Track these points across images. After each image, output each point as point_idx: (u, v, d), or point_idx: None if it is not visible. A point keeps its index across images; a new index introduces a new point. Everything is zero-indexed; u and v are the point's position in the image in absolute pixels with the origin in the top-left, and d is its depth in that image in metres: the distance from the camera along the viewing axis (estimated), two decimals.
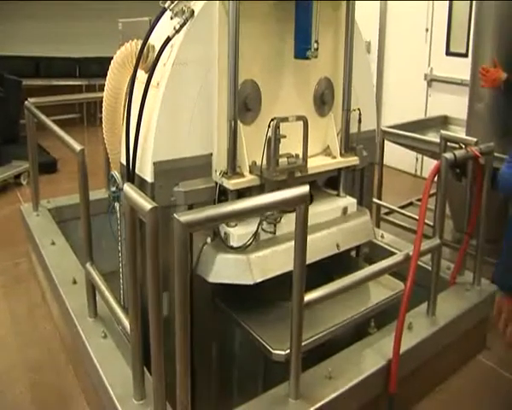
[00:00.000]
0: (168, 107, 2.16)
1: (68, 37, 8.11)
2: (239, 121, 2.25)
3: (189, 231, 1.55)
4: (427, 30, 6.25)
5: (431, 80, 6.26)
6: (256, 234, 2.23)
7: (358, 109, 2.67)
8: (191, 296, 2.20)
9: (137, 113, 2.19)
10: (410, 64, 6.43)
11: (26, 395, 2.63)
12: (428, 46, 6.27)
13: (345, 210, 2.64)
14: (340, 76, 2.64)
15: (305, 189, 1.80)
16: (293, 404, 1.97)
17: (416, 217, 4.12)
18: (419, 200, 4.73)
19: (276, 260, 2.20)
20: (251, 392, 2.25)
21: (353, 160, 2.67)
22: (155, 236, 1.64)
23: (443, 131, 3.15)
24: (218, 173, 2.28)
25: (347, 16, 2.55)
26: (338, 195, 2.72)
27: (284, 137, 2.25)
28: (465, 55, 5.85)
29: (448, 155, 2.52)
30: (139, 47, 2.25)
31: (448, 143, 2.98)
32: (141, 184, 2.19)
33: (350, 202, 2.68)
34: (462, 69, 5.85)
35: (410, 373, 2.38)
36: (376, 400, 2.23)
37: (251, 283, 2.16)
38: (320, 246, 2.38)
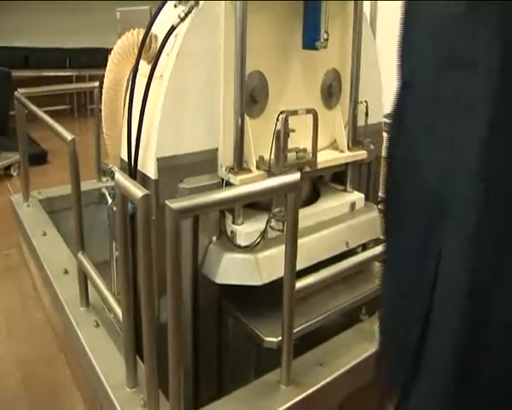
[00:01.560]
0: (172, 99, 2.08)
1: (58, 27, 8.06)
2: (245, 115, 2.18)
3: (181, 218, 1.55)
4: None
5: None
6: (264, 232, 2.16)
7: (366, 102, 2.62)
8: (196, 296, 2.23)
9: (139, 106, 2.11)
10: None
11: (19, 385, 2.64)
12: None
13: (353, 206, 2.59)
14: (348, 67, 2.58)
15: (296, 176, 1.80)
16: (284, 390, 1.98)
17: None
18: None
19: (282, 260, 2.07)
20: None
21: (361, 153, 2.61)
22: (147, 223, 1.65)
23: None
24: (223, 169, 2.19)
25: (356, 6, 2.50)
26: (345, 190, 2.67)
27: (293, 130, 2.19)
28: None
29: None
30: (141, 37, 2.16)
31: None
32: (143, 181, 2.12)
33: (358, 197, 2.63)
34: None
35: None
36: (368, 386, 2.25)
37: (259, 283, 2.11)
38: (329, 244, 2.33)
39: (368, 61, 2.63)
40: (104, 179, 4.09)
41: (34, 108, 3.27)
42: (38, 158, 5.75)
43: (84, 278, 2.46)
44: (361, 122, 2.66)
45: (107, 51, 8.40)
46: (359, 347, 2.26)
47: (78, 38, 8.18)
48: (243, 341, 2.32)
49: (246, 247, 2.15)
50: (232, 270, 2.14)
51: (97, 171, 4.04)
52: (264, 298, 2.14)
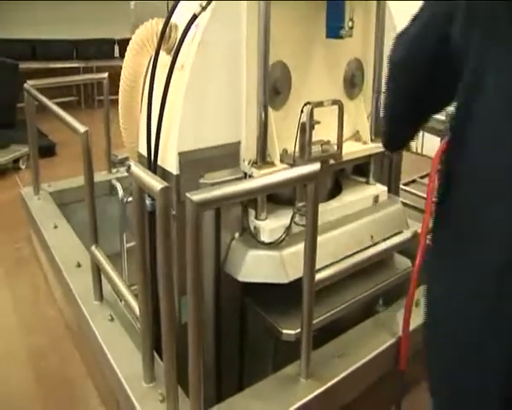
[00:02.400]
0: (194, 91, 2.01)
1: (65, 18, 8.01)
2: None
3: (202, 210, 1.51)
4: None
5: None
6: (289, 228, 2.11)
7: None
8: (219, 294, 2.19)
9: (158, 98, 2.04)
10: None
11: (32, 380, 2.63)
12: None
13: (376, 198, 2.53)
14: (371, 56, 2.52)
15: (315, 166, 1.76)
16: (303, 383, 1.96)
17: (419, 194, 4.16)
18: (421, 177, 4.72)
19: None
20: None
21: None
22: (166, 216, 1.61)
23: (449, 108, 3.12)
24: (246, 163, 2.13)
25: None
26: (367, 182, 2.60)
27: (318, 122, 2.13)
28: None
29: None
30: (160, 26, 2.09)
31: None
32: (164, 176, 2.04)
33: (381, 189, 2.57)
34: None
35: (418, 351, 2.37)
36: (386, 377, 2.23)
37: (285, 281, 2.04)
38: (354, 239, 2.28)
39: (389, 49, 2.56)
40: (114, 171, 4.08)
41: (45, 99, 3.22)
42: (47, 150, 5.71)
43: (97, 271, 2.44)
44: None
45: (114, 42, 8.46)
46: (377, 338, 2.24)
47: (85, 29, 8.13)
48: (265, 336, 2.27)
49: (270, 243, 2.09)
50: (256, 267, 2.08)
51: (107, 162, 4.02)
52: (283, 291, 2.09)
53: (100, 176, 3.77)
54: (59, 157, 5.89)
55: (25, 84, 3.59)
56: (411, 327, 2.20)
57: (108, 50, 8.55)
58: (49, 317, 3.11)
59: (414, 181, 4.82)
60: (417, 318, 2.31)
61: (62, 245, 3.05)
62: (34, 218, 3.45)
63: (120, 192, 3.47)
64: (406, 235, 2.33)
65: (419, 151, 6.23)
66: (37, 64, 7.70)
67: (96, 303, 2.46)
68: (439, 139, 4.64)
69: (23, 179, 5.13)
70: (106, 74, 3.91)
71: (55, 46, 8.19)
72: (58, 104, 2.87)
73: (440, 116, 4.05)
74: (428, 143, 5.78)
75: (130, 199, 3.44)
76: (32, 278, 3.57)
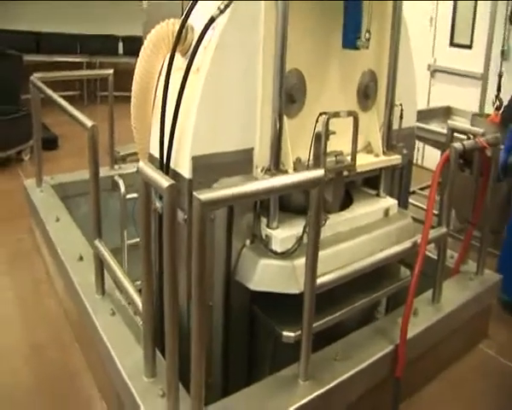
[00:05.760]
0: (209, 95, 2.00)
1: (69, 13, 8.03)
2: None
3: (209, 210, 1.54)
4: (431, 20, 6.23)
5: (434, 71, 6.25)
6: (302, 238, 2.07)
7: (400, 105, 2.56)
8: (228, 301, 2.21)
9: (172, 100, 2.03)
10: (414, 54, 6.40)
11: (33, 372, 2.63)
12: (432, 36, 6.25)
13: (386, 212, 2.54)
14: (385, 68, 2.53)
15: (320, 172, 1.79)
16: (302, 385, 1.99)
17: (419, 205, 4.21)
18: (421, 189, 4.77)
19: (320, 267, 1.94)
20: None
21: (396, 158, 2.56)
22: (173, 214, 1.64)
23: (450, 122, 3.17)
24: (259, 170, 2.12)
25: (394, 7, 2.45)
26: (378, 195, 2.61)
27: (334, 133, 2.13)
28: (469, 47, 5.86)
29: (457, 145, 2.53)
30: (176, 27, 2.06)
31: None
32: (176, 179, 1.98)
33: (391, 203, 2.57)
34: (465, 61, 5.88)
35: (415, 359, 2.41)
36: (383, 383, 2.26)
37: (296, 292, 2.01)
38: (364, 251, 2.25)
39: (403, 62, 2.57)
40: (116, 167, 4.10)
41: (51, 92, 3.25)
42: (49, 143, 5.71)
43: (100, 265, 2.46)
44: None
45: (118, 39, 8.49)
46: (375, 345, 2.27)
47: (90, 24, 8.15)
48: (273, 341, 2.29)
49: (282, 253, 2.08)
50: (268, 277, 2.07)
51: (110, 158, 4.04)
52: (284, 296, 2.10)
53: (102, 171, 3.78)
54: (61, 150, 5.90)
55: (31, 77, 3.61)
56: (408, 335, 2.24)
57: (112, 47, 8.56)
58: (50, 309, 3.12)
59: (414, 192, 4.86)
60: (414, 326, 2.36)
61: (64, 238, 3.07)
62: (37, 210, 3.47)
63: (122, 188, 3.50)
64: (406, 245, 2.36)
65: (418, 163, 6.29)
66: (40, 57, 7.70)
67: (98, 297, 2.48)
68: (439, 152, 4.71)
69: (25, 171, 5.14)
70: (111, 71, 3.92)
71: (58, 40, 8.19)
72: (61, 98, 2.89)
73: (441, 129, 4.12)
74: (429, 155, 5.84)
75: (130, 196, 3.48)
76: (33, 269, 3.58)
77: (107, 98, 3.89)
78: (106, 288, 2.51)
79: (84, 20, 8.12)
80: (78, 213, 3.58)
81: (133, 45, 8.90)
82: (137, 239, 3.25)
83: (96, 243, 2.43)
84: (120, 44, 8.74)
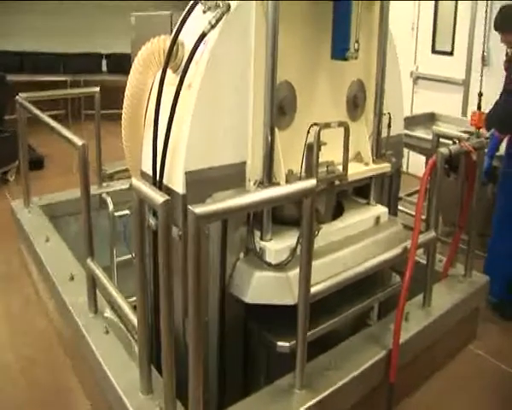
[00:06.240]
0: (202, 110, 2.01)
1: (53, 32, 8.05)
2: None
3: (204, 223, 1.55)
4: (413, 28, 6.33)
5: (417, 78, 6.35)
6: (296, 250, 2.07)
7: (389, 113, 2.59)
8: (223, 315, 2.20)
9: (166, 116, 2.03)
10: None
11: (25, 392, 2.63)
12: (414, 44, 6.35)
13: (377, 220, 2.56)
14: (373, 78, 2.55)
15: (312, 182, 1.82)
16: (298, 394, 2.00)
17: (406, 211, 4.25)
18: (408, 195, 4.82)
19: (314, 277, 1.95)
20: None
21: (386, 166, 2.59)
22: (168, 229, 1.65)
23: (435, 128, 3.23)
24: (252, 183, 2.14)
25: (381, 17, 2.49)
26: (368, 203, 2.63)
27: (325, 144, 2.14)
28: (451, 54, 5.96)
29: (444, 150, 2.57)
30: (167, 43, 2.07)
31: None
32: (169, 196, 1.98)
33: (382, 210, 2.60)
34: (447, 67, 5.97)
35: (407, 363, 2.42)
36: (376, 389, 2.27)
37: (291, 303, 2.01)
38: (356, 260, 2.26)
39: (390, 71, 2.59)
40: (104, 185, 4.09)
41: (38, 112, 3.24)
42: (35, 164, 5.70)
43: (92, 284, 2.45)
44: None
45: (102, 56, 8.51)
46: (368, 351, 2.28)
47: (73, 43, 8.17)
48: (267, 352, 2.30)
49: (276, 265, 2.08)
50: (263, 289, 2.07)
51: (98, 176, 4.03)
52: (278, 307, 2.11)
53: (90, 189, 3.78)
54: (47, 170, 5.88)
55: (17, 97, 3.60)
56: (400, 340, 2.26)
57: (96, 65, 8.59)
58: (41, 329, 3.11)
59: (400, 198, 4.91)
60: (405, 331, 2.38)
61: (55, 258, 3.05)
62: (25, 231, 3.45)
63: (111, 206, 3.49)
64: (396, 251, 2.38)
65: (403, 169, 6.35)
66: (24, 77, 7.69)
67: (91, 316, 2.47)
68: (423, 158, 4.77)
69: (11, 192, 5.12)
70: (97, 89, 3.93)
71: (42, 59, 8.20)
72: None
73: (425, 135, 4.19)
74: (413, 162, 5.90)
75: (118, 213, 3.47)
76: (23, 291, 3.55)
77: (92, 116, 3.91)
78: (98, 306, 2.51)
79: (67, 39, 8.13)
80: (68, 233, 3.57)
81: (116, 62, 9.04)
82: (127, 256, 3.27)
83: (89, 261, 2.43)
84: (104, 62, 8.78)
